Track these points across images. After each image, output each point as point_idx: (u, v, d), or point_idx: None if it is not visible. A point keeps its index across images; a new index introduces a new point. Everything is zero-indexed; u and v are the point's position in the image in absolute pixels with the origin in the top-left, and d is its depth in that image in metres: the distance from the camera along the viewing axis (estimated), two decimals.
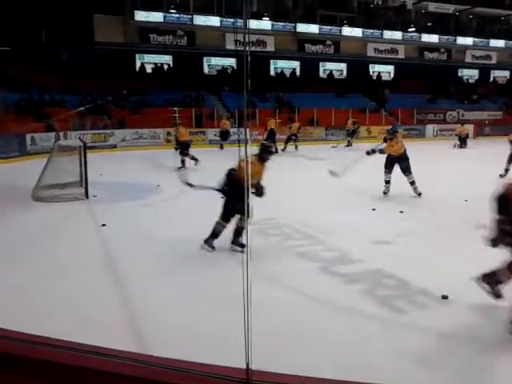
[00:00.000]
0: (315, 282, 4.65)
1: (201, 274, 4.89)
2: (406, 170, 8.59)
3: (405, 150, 8.66)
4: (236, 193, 5.36)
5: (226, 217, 5.69)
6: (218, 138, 20.50)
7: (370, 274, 4.81)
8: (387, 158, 8.78)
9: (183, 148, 13.20)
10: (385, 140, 9.57)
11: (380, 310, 3.99)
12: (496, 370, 3.13)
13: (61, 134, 16.85)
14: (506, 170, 10.71)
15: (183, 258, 5.44)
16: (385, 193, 8.83)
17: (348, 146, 20.15)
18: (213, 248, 5.69)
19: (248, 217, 4.65)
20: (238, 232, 5.67)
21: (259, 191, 5.69)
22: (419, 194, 8.57)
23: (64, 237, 6.34)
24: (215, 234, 5.73)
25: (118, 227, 6.80)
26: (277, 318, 3.72)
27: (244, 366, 1.12)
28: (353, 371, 2.97)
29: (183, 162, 12.91)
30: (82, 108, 17.88)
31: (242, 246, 5.53)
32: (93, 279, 4.74)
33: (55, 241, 6.14)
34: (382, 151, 8.76)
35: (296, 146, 18.52)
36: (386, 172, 8.76)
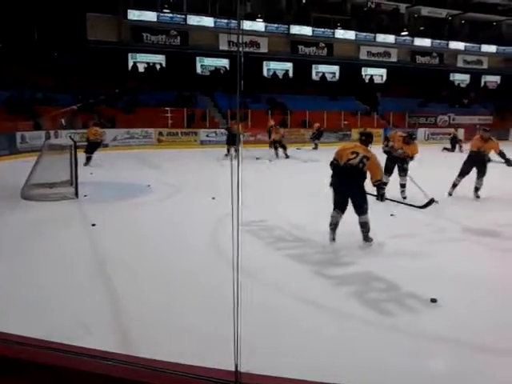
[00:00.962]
0: (306, 284, 4.64)
1: (191, 274, 4.87)
2: (404, 171, 8.64)
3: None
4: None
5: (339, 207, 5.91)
6: (210, 139, 20.52)
7: (361, 276, 4.81)
8: (390, 160, 8.68)
9: (88, 147, 13.73)
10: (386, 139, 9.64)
11: (369, 312, 3.99)
12: (487, 374, 3.14)
13: (51, 132, 16.74)
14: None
15: (173, 257, 5.41)
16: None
17: (315, 148, 20.08)
18: (333, 240, 5.94)
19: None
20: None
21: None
22: (404, 198, 8.53)
23: (53, 236, 6.29)
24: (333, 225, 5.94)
25: (108, 227, 6.76)
26: (266, 319, 3.71)
27: (233, 368, 1.12)
28: (340, 373, 2.97)
29: (88, 159, 13.51)
30: (74, 106, 17.81)
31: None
32: (82, 279, 4.70)
33: (44, 240, 6.09)
34: (390, 151, 8.69)
35: (286, 155, 16.64)
36: (387, 175, 8.38)
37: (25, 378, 1.20)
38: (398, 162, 8.69)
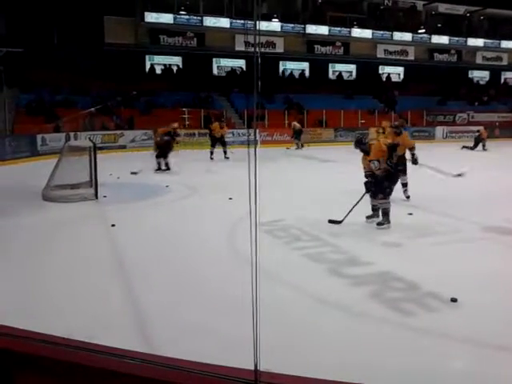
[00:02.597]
0: (323, 284, 4.64)
1: (211, 273, 4.89)
2: (403, 171, 8.24)
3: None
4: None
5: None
6: (227, 140, 20.57)
7: (379, 276, 4.79)
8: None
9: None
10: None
11: (388, 312, 3.97)
12: (507, 374, 3.10)
13: (71, 134, 16.97)
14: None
15: (193, 257, 5.45)
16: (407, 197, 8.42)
17: (298, 148, 19.72)
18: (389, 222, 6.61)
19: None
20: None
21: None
22: (407, 197, 8.38)
23: (74, 237, 6.38)
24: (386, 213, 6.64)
25: (127, 227, 6.83)
26: (285, 319, 3.71)
27: (252, 367, 1.13)
28: (360, 374, 2.96)
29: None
30: (93, 109, 18.02)
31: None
32: (103, 279, 4.76)
33: (65, 241, 6.18)
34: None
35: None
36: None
37: (48, 375, 1.23)
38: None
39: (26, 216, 7.49)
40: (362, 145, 6.89)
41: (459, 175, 6.62)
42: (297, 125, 20.31)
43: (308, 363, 3.03)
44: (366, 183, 6.83)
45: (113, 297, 4.30)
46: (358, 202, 6.76)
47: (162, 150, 12.74)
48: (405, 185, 8.41)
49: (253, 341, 1.19)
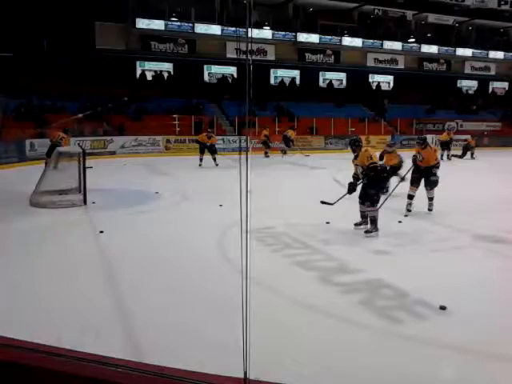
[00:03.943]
0: (313, 292, 4.63)
1: (200, 280, 4.86)
2: (432, 183, 8.03)
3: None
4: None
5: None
6: (218, 147, 20.60)
7: (368, 283, 4.79)
8: (414, 171, 8.15)
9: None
10: (382, 155, 9.24)
11: (377, 320, 3.97)
12: (497, 381, 3.11)
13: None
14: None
15: (182, 264, 5.42)
16: (409, 210, 8.12)
17: (266, 156, 19.49)
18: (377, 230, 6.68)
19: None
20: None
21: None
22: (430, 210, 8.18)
23: (62, 243, 6.32)
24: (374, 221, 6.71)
25: (116, 234, 6.78)
26: (274, 326, 3.70)
27: (242, 375, 1.12)
28: (348, 381, 2.95)
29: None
30: (81, 115, 17.93)
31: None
32: (91, 286, 4.71)
33: (53, 247, 6.12)
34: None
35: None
36: (414, 186, 8.13)
37: None
38: (423, 173, 8.06)
39: (14, 222, 7.41)
40: (354, 146, 6.84)
41: (402, 180, 6.91)
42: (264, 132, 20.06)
43: (296, 371, 3.02)
44: (349, 184, 6.92)
45: (101, 304, 4.25)
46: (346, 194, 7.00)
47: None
48: (430, 199, 8.14)
49: (242, 349, 1.18)
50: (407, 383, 3.07)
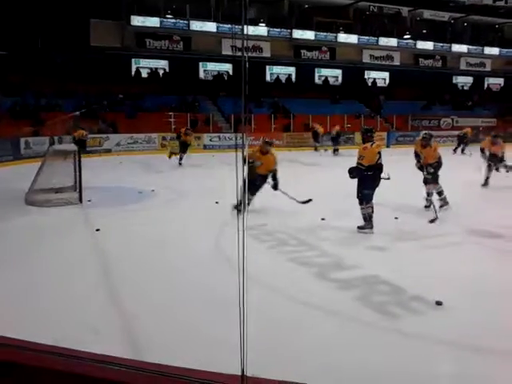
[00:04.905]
0: (310, 288, 4.64)
1: (196, 277, 4.87)
2: (433, 179, 8.08)
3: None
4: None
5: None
6: (214, 144, 20.60)
7: (365, 279, 4.80)
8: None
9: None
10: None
11: (374, 315, 3.98)
12: (491, 376, 3.12)
13: (55, 138, 16.80)
14: (487, 179, 10.57)
15: (179, 261, 5.41)
16: (427, 206, 8.08)
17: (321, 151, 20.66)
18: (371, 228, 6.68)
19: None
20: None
21: None
22: (441, 206, 8.10)
23: (58, 241, 6.30)
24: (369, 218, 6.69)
25: (112, 232, 6.77)
26: (271, 323, 3.70)
27: (239, 372, 1.12)
28: (346, 377, 2.96)
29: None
30: (77, 113, 17.85)
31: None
32: (87, 284, 4.71)
33: (49, 245, 6.10)
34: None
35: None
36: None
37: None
38: (423, 171, 8.17)
39: (9, 220, 7.38)
40: (365, 135, 7.02)
41: (387, 178, 6.89)
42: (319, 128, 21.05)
43: (294, 367, 3.03)
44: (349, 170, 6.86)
45: (98, 301, 4.25)
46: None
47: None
48: (439, 193, 8.18)
49: (240, 346, 1.18)
50: (404, 378, 3.08)
